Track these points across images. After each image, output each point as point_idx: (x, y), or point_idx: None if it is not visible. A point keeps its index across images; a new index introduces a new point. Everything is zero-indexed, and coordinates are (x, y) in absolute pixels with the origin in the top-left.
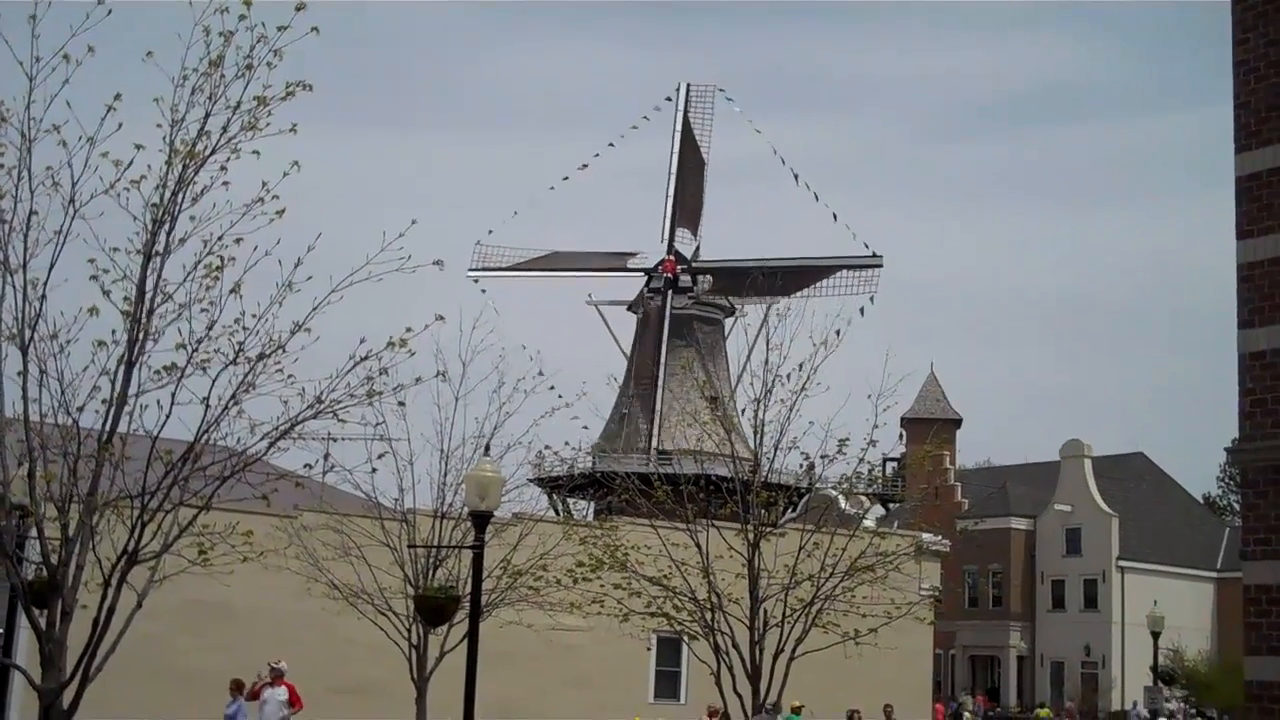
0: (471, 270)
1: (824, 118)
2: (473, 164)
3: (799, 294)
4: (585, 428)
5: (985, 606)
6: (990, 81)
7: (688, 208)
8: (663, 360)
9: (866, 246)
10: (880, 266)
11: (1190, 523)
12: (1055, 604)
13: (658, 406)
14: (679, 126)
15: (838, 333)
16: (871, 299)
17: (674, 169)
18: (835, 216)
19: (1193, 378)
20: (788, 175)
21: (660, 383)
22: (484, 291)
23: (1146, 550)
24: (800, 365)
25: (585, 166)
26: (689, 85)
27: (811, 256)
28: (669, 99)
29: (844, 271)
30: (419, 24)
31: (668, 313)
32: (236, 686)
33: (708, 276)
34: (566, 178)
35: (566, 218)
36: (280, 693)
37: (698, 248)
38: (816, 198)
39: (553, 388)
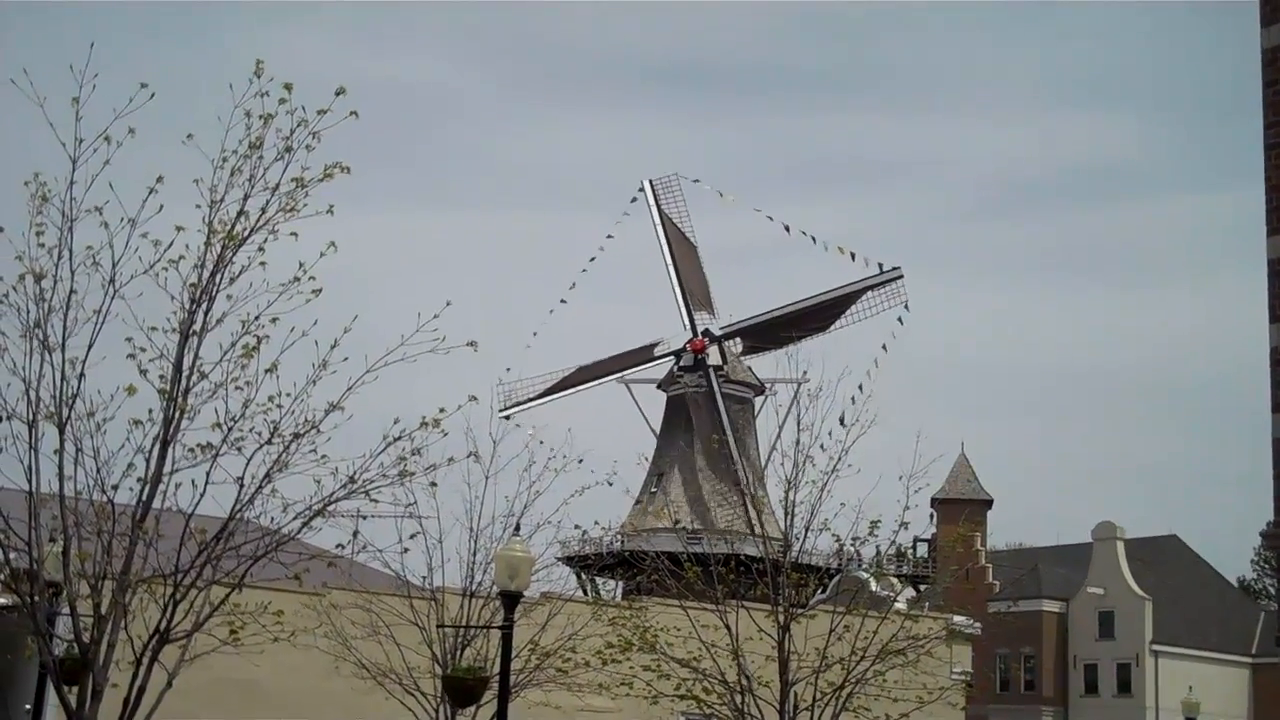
0: (503, 411)
1: (865, 194)
2: (510, 239)
3: (834, 328)
4: (623, 490)
5: (1017, 690)
6: (1025, 161)
7: (696, 292)
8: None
9: (880, 266)
10: (900, 276)
11: (1225, 607)
12: (1088, 689)
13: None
14: (657, 219)
15: (842, 423)
16: (906, 306)
17: (669, 258)
18: (849, 252)
19: (1226, 460)
20: (801, 240)
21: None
22: (518, 426)
23: (1181, 634)
24: (825, 451)
25: (574, 286)
26: (651, 181)
27: (831, 289)
28: (634, 200)
29: (869, 293)
30: (454, 104)
31: (709, 393)
32: None
33: (738, 340)
34: (564, 300)
35: (585, 323)
36: None
37: (719, 326)
38: (806, 235)
39: (593, 474)
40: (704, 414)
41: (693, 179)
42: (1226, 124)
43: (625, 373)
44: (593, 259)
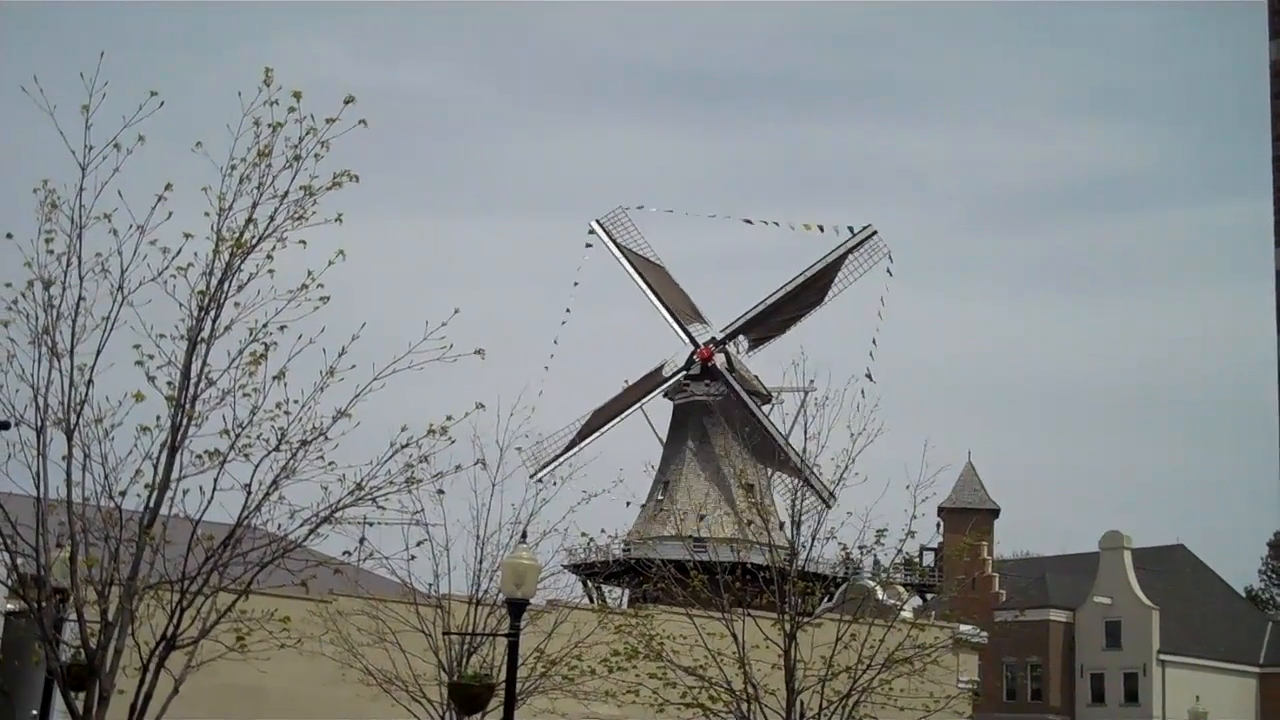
0: (533, 475)
1: (868, 204)
2: (518, 247)
3: (828, 297)
4: (628, 503)
5: (1024, 699)
6: (1033, 171)
7: (682, 308)
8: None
9: (851, 230)
10: (874, 233)
11: (1232, 616)
12: (1095, 698)
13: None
14: (619, 255)
15: (881, 300)
16: (890, 257)
17: (644, 287)
18: (817, 225)
19: (1234, 470)
20: (781, 236)
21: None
22: (589, 245)
23: (1188, 644)
24: (833, 461)
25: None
26: (598, 221)
27: (813, 263)
28: (589, 245)
29: (851, 256)
30: (464, 111)
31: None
32: None
33: (742, 340)
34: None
35: (590, 361)
36: None
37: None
38: (768, 223)
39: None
40: (732, 416)
41: (637, 205)
42: (1234, 135)
43: (641, 402)
44: (568, 309)
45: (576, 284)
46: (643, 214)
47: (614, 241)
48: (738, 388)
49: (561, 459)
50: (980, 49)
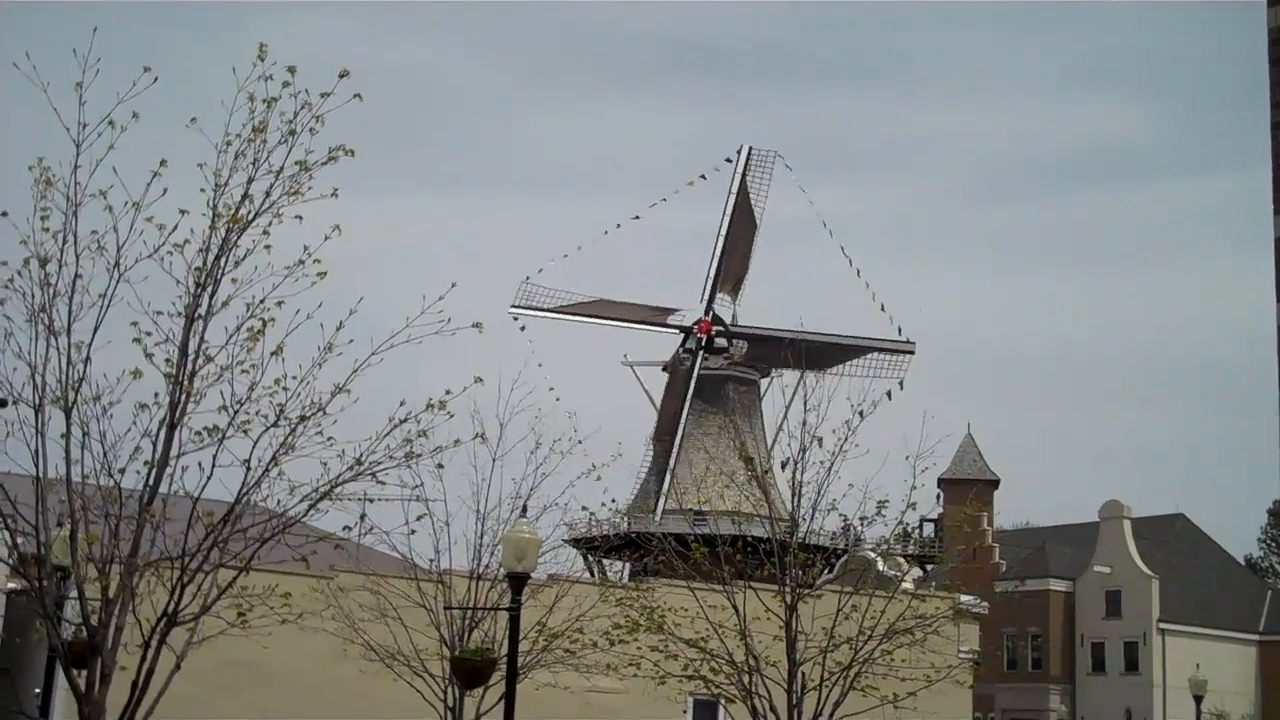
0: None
1: (869, 177)
2: (515, 226)
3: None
4: (613, 501)
5: (1024, 669)
6: (1031, 145)
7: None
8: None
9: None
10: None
11: (1232, 585)
12: (1095, 667)
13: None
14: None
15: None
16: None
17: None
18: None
19: (1233, 439)
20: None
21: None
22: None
23: (1188, 612)
24: (835, 434)
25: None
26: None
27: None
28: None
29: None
30: (462, 88)
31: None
32: None
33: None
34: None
35: (612, 271)
36: None
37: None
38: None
39: (588, 456)
40: (781, 356)
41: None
42: (1234, 106)
43: (685, 405)
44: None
45: (540, 364)
46: (547, 273)
47: (539, 309)
48: (757, 332)
49: (664, 495)
50: (978, 20)
